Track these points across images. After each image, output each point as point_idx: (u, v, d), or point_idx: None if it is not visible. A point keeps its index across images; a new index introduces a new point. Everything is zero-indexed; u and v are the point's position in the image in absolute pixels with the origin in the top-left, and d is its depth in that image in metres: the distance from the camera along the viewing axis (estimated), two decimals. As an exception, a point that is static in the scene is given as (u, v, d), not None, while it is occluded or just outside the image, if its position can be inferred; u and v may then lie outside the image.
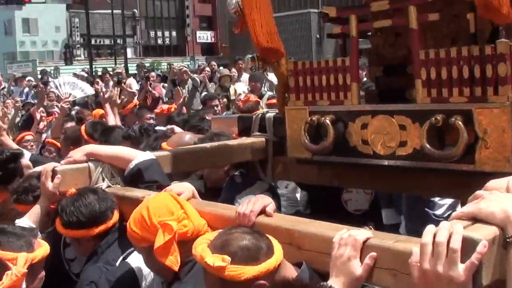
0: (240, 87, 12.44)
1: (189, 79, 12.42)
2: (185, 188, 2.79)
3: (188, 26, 63.72)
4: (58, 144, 6.92)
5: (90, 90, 9.96)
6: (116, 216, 2.96)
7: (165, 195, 2.63)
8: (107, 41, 54.93)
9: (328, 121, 3.36)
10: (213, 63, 15.85)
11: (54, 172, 3.09)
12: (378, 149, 3.25)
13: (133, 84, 14.49)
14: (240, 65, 13.98)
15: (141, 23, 58.64)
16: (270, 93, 10.41)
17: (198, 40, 64.23)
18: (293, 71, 3.63)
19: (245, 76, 13.51)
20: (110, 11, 44.84)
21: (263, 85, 11.49)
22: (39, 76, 21.62)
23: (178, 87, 10.93)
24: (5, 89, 17.87)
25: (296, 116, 3.61)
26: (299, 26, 29.80)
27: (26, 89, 17.56)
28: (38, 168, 3.94)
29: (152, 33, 63.28)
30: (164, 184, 3.08)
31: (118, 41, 45.47)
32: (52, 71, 29.29)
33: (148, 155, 3.24)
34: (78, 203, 2.90)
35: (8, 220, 3.59)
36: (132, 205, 2.78)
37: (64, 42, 56.90)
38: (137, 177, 3.13)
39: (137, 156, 3.19)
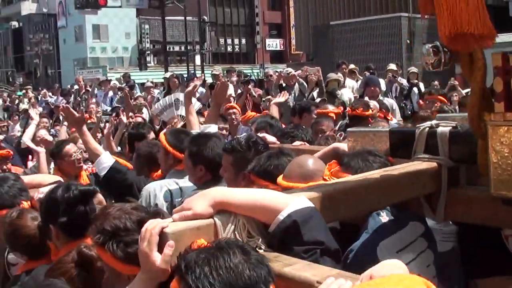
0: (346, 94, 11.18)
1: (297, 84, 11.35)
2: (404, 271, 1.64)
3: (258, 33, 62.87)
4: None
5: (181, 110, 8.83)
6: None
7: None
8: (176, 48, 54.53)
9: None
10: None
11: (163, 237, 1.91)
12: None
13: (230, 89, 13.41)
14: (344, 69, 12.94)
15: (211, 30, 58.08)
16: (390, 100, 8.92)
17: (267, 48, 63.32)
18: (502, 68, 2.43)
19: (349, 82, 12.51)
20: (178, 17, 44.46)
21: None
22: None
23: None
24: (84, 94, 17.11)
25: (507, 136, 2.40)
26: (388, 31, 28.53)
27: (111, 93, 16.71)
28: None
29: (221, 41, 62.68)
30: (331, 249, 1.94)
31: (188, 47, 44.96)
32: (121, 78, 28.72)
33: (304, 201, 2.05)
34: (218, 263, 1.74)
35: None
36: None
37: (134, 49, 56.92)
38: (291, 236, 1.96)
39: (289, 203, 2.00)
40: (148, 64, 49.05)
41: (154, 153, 5.09)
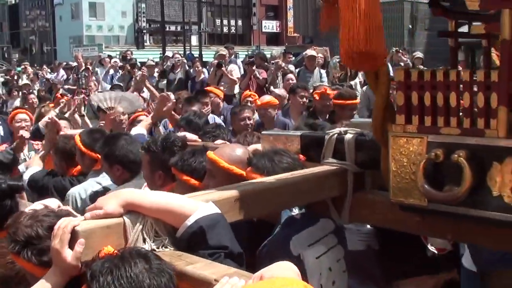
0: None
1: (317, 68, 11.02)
2: (293, 272, 1.79)
3: (254, 15, 62.66)
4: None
5: (138, 104, 8.34)
6: None
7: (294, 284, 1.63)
8: (172, 28, 54.42)
9: (463, 159, 2.32)
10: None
11: (74, 234, 2.03)
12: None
13: (235, 71, 13.33)
14: None
15: (208, 10, 57.96)
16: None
17: (263, 30, 63.13)
18: (403, 84, 2.57)
19: None
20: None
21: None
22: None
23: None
24: (84, 72, 16.97)
25: (406, 146, 2.55)
26: (390, 15, 28.04)
27: (111, 71, 16.54)
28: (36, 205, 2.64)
29: (218, 21, 62.55)
30: (234, 252, 2.12)
31: (185, 27, 44.87)
32: (117, 56, 28.68)
33: (211, 207, 2.21)
34: (119, 273, 1.85)
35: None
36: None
37: (130, 28, 56.83)
38: (197, 240, 2.11)
39: (197, 209, 2.15)
40: (144, 43, 48.97)
41: (70, 147, 4.99)
